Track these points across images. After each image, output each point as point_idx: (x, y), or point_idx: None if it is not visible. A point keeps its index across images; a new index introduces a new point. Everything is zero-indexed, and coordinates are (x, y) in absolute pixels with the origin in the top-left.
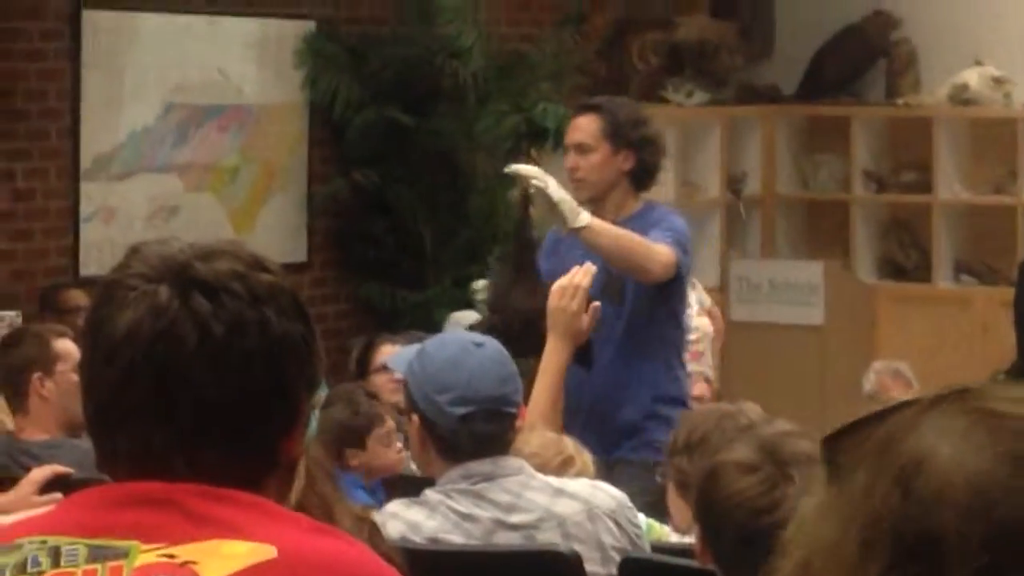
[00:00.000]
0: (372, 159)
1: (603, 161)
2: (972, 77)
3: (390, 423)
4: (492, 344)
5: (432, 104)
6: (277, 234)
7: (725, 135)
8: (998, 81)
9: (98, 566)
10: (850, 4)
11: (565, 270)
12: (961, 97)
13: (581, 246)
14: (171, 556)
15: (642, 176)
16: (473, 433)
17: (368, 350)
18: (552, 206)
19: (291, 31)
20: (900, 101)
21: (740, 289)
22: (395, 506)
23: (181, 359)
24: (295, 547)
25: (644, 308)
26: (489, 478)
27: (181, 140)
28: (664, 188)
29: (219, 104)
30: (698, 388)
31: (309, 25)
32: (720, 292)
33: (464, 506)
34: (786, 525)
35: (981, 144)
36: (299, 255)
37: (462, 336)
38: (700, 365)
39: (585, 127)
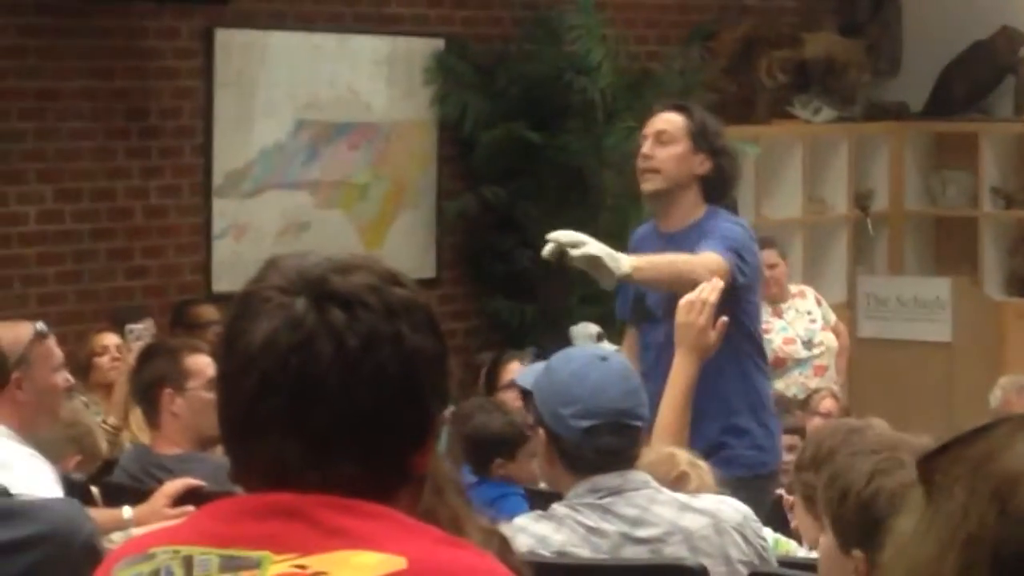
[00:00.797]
0: (500, 176)
1: (681, 156)
2: None
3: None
4: (617, 358)
5: (560, 121)
6: (406, 250)
7: (853, 152)
8: None
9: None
10: (977, 20)
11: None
12: None
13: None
14: (302, 567)
15: (715, 185)
16: (598, 447)
17: (496, 366)
18: (596, 263)
19: (420, 49)
20: None
21: (868, 306)
22: (523, 520)
23: (317, 371)
24: (425, 558)
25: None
26: (616, 492)
27: (312, 157)
28: (792, 205)
29: (349, 121)
30: (825, 404)
31: (438, 43)
32: (848, 308)
33: (591, 520)
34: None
35: None
36: (428, 271)
37: (588, 351)
38: (825, 381)
39: (670, 120)
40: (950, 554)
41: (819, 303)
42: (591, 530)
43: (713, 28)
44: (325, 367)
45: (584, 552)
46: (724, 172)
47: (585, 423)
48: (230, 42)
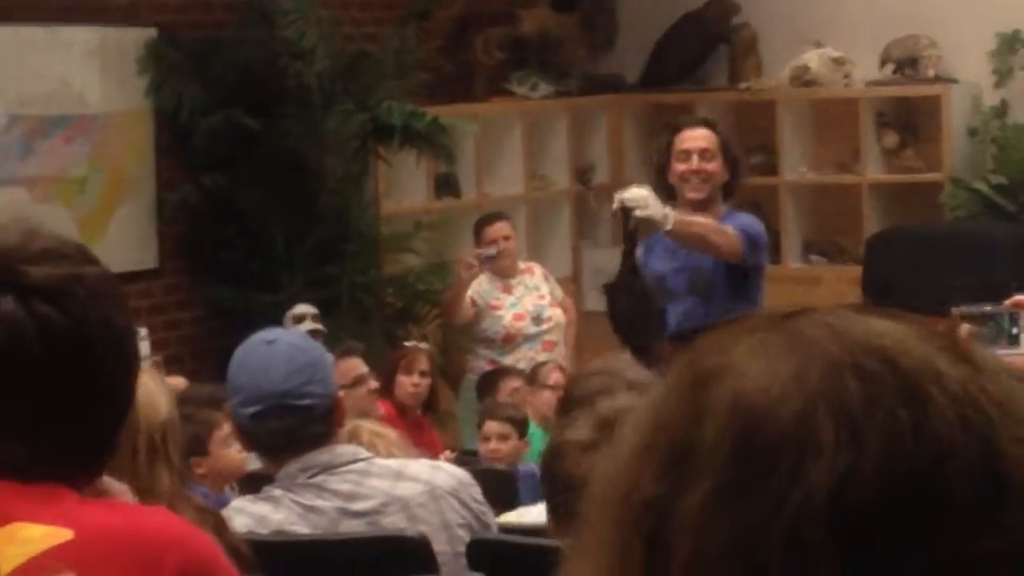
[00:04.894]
0: (220, 164)
1: (719, 169)
2: (812, 59)
3: (227, 426)
4: (287, 339)
5: (278, 106)
6: (128, 242)
7: (572, 126)
8: (838, 62)
9: None
10: None
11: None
12: (802, 79)
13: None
14: None
15: (731, 188)
16: (267, 431)
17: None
18: (651, 223)
19: (132, 38)
20: (743, 86)
21: (593, 278)
22: (240, 502)
23: (30, 367)
24: (93, 526)
25: (724, 301)
26: (327, 469)
27: (26, 152)
28: (514, 181)
29: (63, 115)
30: (553, 377)
31: (150, 32)
32: (573, 282)
33: (307, 499)
34: None
35: (824, 124)
36: (150, 262)
37: (257, 336)
38: (554, 356)
39: (707, 137)
40: (642, 438)
41: (547, 279)
42: (308, 508)
43: (427, 7)
44: (36, 362)
45: (303, 529)
46: (737, 177)
47: (250, 409)
48: None
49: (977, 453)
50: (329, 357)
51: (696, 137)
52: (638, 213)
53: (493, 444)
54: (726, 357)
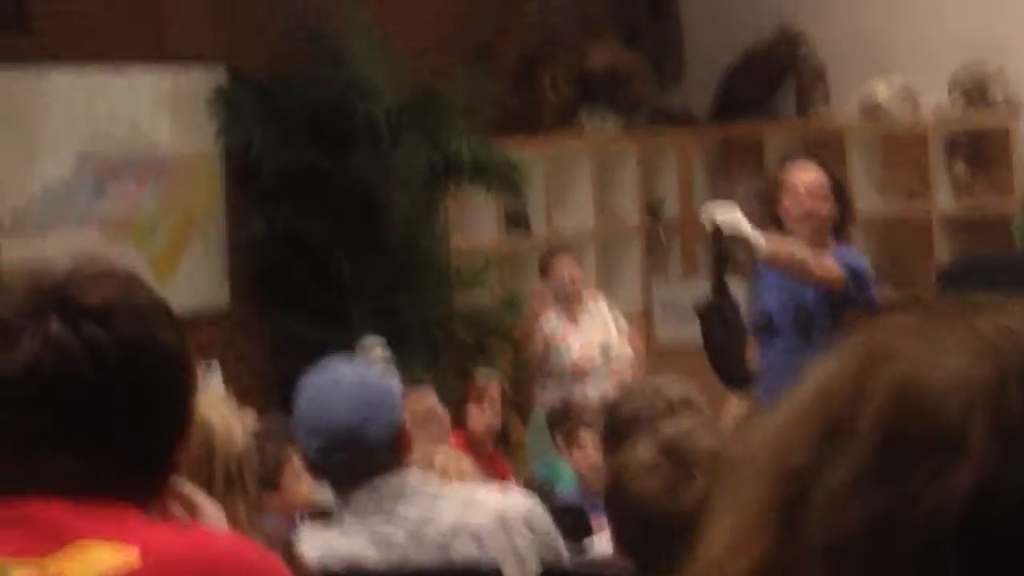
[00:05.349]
0: (289, 201)
1: (831, 210)
2: (880, 89)
3: (297, 459)
4: (351, 371)
5: (347, 144)
6: (199, 281)
7: (641, 160)
8: (906, 91)
9: None
10: (755, 24)
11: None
12: (871, 109)
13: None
14: (42, 569)
15: (842, 228)
16: (334, 464)
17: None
18: (743, 242)
19: (201, 79)
20: (811, 116)
21: (664, 311)
22: (311, 530)
23: (81, 391)
24: (159, 548)
25: (829, 337)
26: (396, 495)
27: (98, 194)
28: (583, 216)
29: (134, 157)
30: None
31: (219, 72)
32: (644, 316)
33: (376, 525)
34: (690, 521)
35: (893, 155)
36: (222, 300)
37: (322, 368)
38: None
39: (820, 180)
40: (809, 404)
41: (611, 308)
42: (377, 535)
43: (494, 44)
44: (89, 384)
45: (373, 555)
46: (846, 217)
47: (315, 443)
48: (7, 81)
49: None
50: (397, 388)
51: (808, 176)
52: (727, 232)
53: (591, 450)
54: (899, 342)
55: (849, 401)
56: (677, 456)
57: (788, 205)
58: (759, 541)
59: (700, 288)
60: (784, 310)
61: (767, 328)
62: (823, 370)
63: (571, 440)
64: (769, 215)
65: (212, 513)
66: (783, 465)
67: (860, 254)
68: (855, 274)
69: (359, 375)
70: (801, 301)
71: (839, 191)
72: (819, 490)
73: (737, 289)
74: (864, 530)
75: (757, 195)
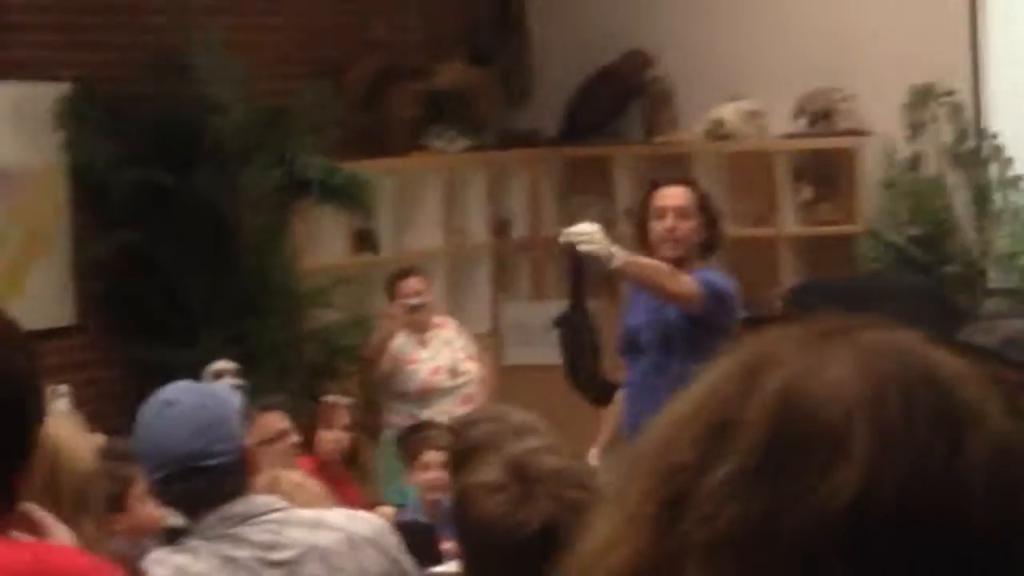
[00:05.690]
0: (136, 219)
1: (693, 228)
2: (727, 112)
3: (143, 483)
4: (189, 399)
5: (194, 162)
6: (45, 298)
7: (489, 180)
8: (753, 115)
9: None
10: (605, 45)
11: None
12: (718, 132)
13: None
14: None
15: (708, 247)
16: (175, 495)
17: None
18: (595, 257)
19: (47, 94)
20: (658, 139)
21: (512, 332)
22: (160, 553)
23: None
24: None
25: (684, 357)
26: (244, 519)
27: None
28: (432, 235)
29: None
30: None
31: (65, 87)
32: (493, 336)
33: (225, 549)
34: (535, 541)
35: (739, 177)
36: (68, 318)
37: (159, 396)
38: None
39: (683, 196)
40: (693, 409)
41: (460, 333)
42: (227, 559)
43: (343, 63)
44: None
45: None
46: (716, 236)
47: (156, 474)
48: None
49: (999, 504)
50: (238, 411)
51: (672, 195)
52: (582, 247)
53: (435, 473)
54: (784, 351)
55: (734, 403)
56: (522, 476)
57: (652, 225)
58: (637, 536)
59: (549, 309)
60: (648, 328)
61: (633, 347)
62: (709, 375)
63: (417, 461)
64: (639, 238)
65: (60, 533)
66: (667, 463)
67: (725, 276)
68: (715, 294)
69: (198, 401)
70: (663, 318)
71: (706, 209)
72: (701, 487)
73: (613, 310)
74: (743, 527)
75: (628, 217)
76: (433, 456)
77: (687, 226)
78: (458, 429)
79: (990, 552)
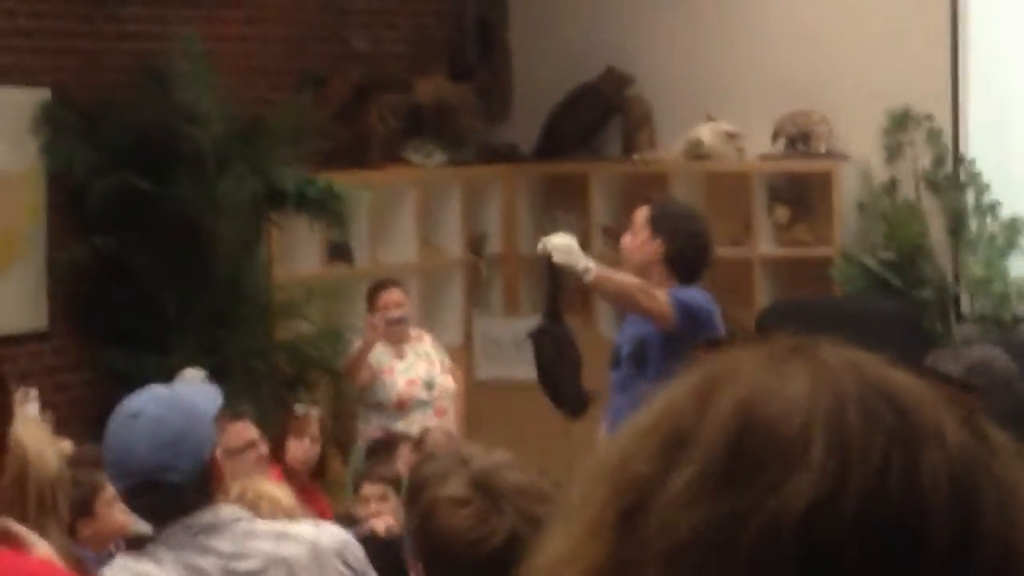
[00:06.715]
0: (112, 226)
1: (639, 244)
2: (705, 132)
3: (111, 489)
4: (152, 412)
5: (171, 170)
6: (17, 303)
7: (466, 195)
8: (731, 136)
9: None
10: (584, 63)
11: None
12: (695, 152)
13: None
14: None
15: (677, 264)
16: (140, 505)
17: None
18: (568, 269)
19: (26, 99)
20: (636, 157)
21: (484, 348)
22: (124, 559)
23: None
24: None
25: (656, 373)
26: (210, 528)
27: None
28: (407, 249)
29: None
30: (440, 442)
31: (44, 92)
32: (465, 351)
33: (189, 558)
34: (499, 556)
35: (716, 198)
36: (40, 323)
37: (124, 407)
38: (445, 423)
39: (640, 213)
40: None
41: (435, 347)
42: (191, 568)
43: (323, 74)
44: None
45: None
46: (683, 254)
47: (120, 485)
48: None
49: (957, 520)
50: (205, 419)
51: (636, 212)
52: (556, 259)
53: (374, 506)
54: (744, 366)
55: (693, 415)
56: (486, 490)
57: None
58: (597, 546)
59: (521, 325)
60: (627, 343)
61: (614, 360)
62: (670, 390)
63: (359, 492)
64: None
65: (40, 547)
66: (626, 473)
67: (704, 294)
68: (687, 312)
69: (162, 414)
70: (639, 334)
71: (660, 226)
72: (659, 496)
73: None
74: (701, 536)
75: (604, 235)
76: (368, 489)
77: (630, 242)
78: (415, 465)
79: (946, 567)
